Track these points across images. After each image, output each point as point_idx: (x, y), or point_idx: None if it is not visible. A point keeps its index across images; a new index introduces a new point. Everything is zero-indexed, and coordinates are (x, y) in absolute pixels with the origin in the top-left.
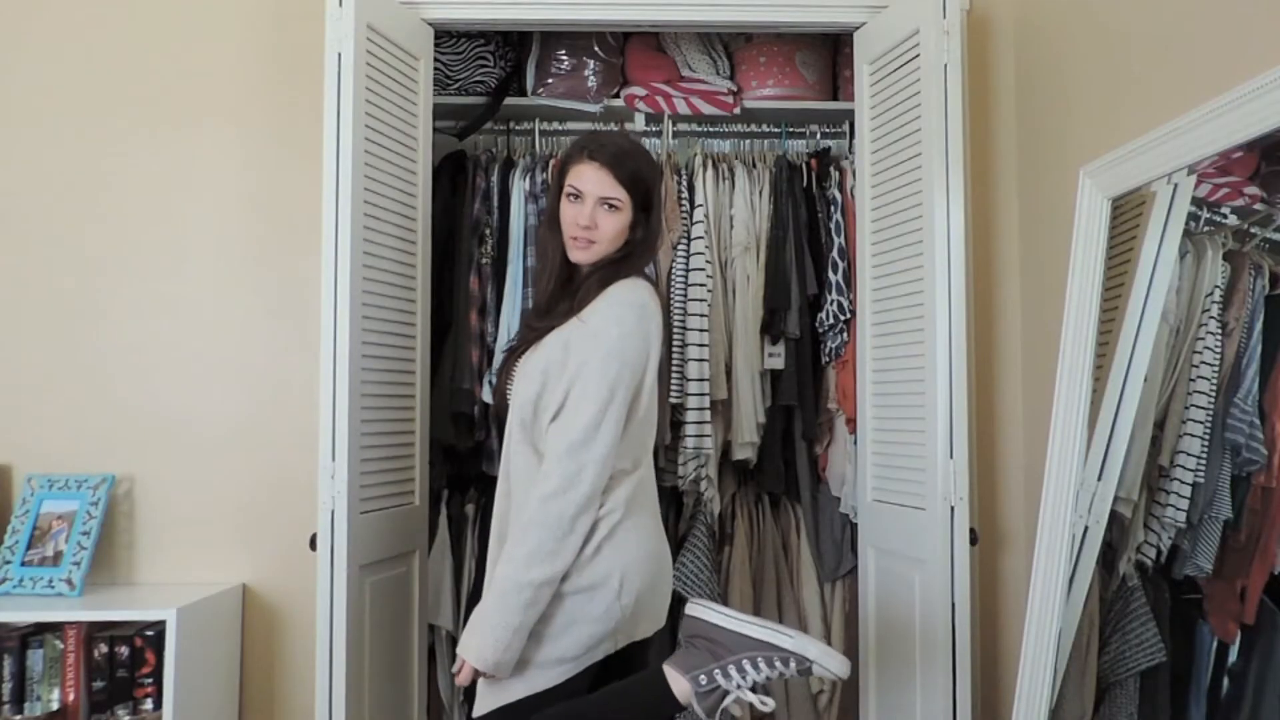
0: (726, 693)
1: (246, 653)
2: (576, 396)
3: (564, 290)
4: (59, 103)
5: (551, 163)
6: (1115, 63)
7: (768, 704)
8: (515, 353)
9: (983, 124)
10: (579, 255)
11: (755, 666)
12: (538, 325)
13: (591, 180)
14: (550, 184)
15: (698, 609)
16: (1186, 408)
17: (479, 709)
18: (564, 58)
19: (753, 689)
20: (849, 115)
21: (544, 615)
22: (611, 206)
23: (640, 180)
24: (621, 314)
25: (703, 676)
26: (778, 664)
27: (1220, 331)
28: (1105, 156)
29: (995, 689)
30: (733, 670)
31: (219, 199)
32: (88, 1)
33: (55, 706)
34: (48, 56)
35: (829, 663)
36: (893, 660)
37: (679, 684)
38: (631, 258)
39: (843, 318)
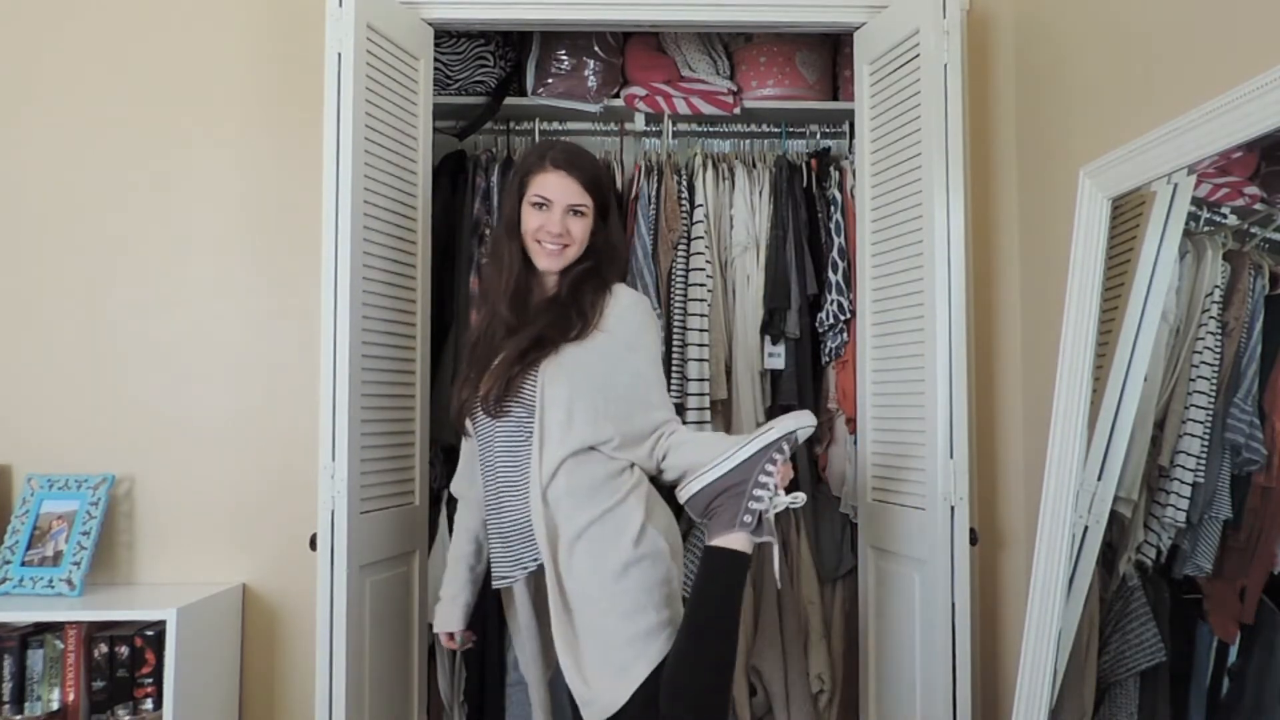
0: (767, 510)
1: (246, 653)
2: (650, 403)
3: (524, 296)
4: (57, 101)
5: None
6: (1115, 62)
7: (799, 499)
8: (530, 361)
9: (983, 124)
10: (550, 263)
11: (768, 473)
12: (552, 335)
13: (558, 188)
14: (508, 192)
15: (691, 484)
16: (1186, 408)
17: (606, 710)
18: (564, 58)
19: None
20: (849, 115)
21: (621, 593)
22: (578, 213)
23: (599, 183)
24: (642, 318)
25: (745, 516)
26: (778, 456)
27: (1220, 331)
28: (1105, 156)
29: (995, 689)
30: (758, 491)
31: (218, 198)
32: None
33: (55, 706)
34: (46, 54)
35: (805, 419)
36: (893, 660)
37: (734, 539)
38: (603, 264)
39: (843, 318)
